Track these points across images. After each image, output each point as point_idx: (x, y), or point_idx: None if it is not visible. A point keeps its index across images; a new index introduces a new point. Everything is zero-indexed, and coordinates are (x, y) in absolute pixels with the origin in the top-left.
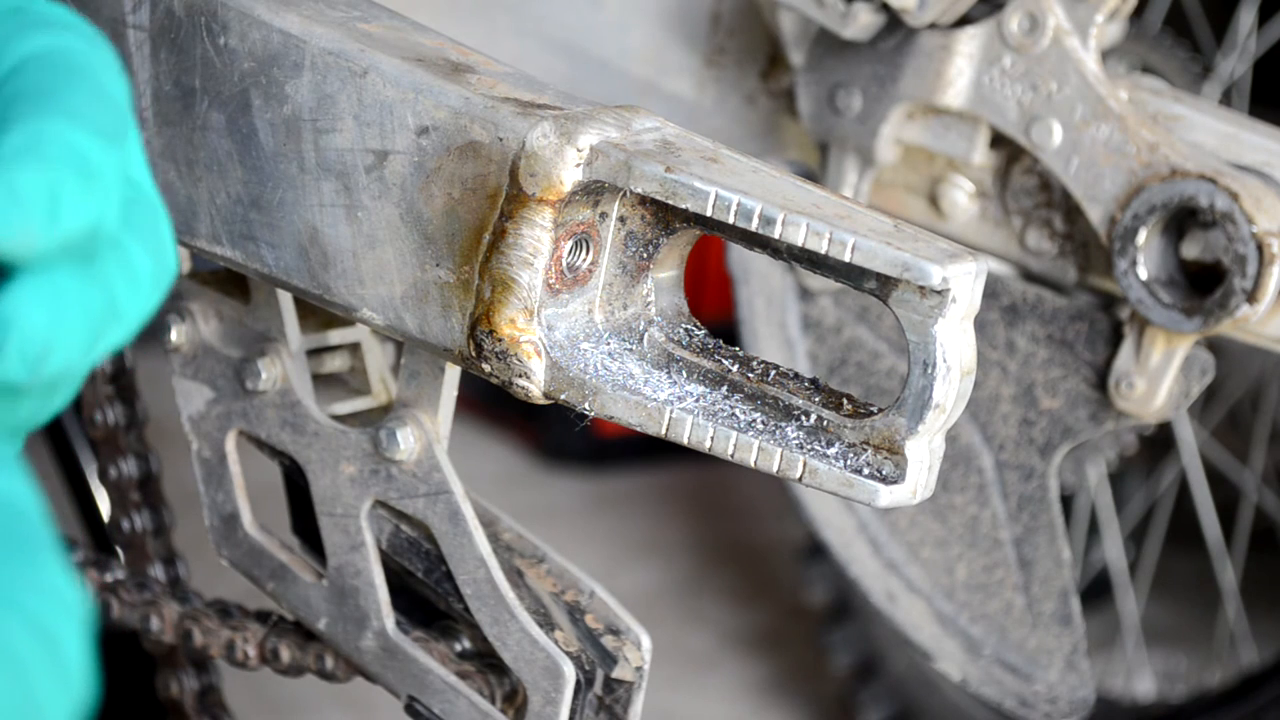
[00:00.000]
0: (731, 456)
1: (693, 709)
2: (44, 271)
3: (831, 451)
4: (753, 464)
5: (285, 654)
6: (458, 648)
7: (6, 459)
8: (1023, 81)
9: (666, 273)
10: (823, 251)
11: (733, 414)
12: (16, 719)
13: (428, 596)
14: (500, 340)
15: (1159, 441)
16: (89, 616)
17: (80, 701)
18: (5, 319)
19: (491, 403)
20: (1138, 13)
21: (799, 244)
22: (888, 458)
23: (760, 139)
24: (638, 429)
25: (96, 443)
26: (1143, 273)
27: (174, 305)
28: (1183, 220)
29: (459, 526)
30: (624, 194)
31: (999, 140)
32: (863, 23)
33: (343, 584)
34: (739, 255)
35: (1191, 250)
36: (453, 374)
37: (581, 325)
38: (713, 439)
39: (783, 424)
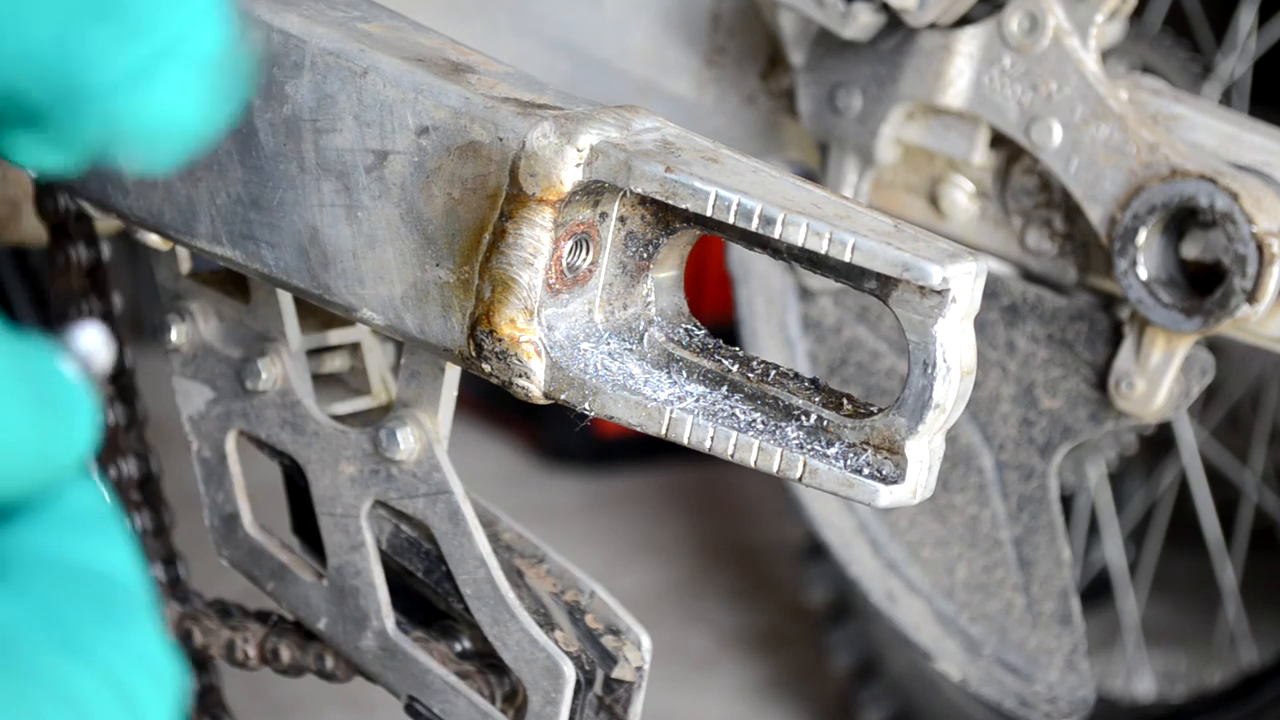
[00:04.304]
0: (731, 456)
1: (693, 709)
2: None
3: (831, 451)
4: (753, 464)
5: (285, 654)
6: (458, 648)
7: (112, 532)
8: (1023, 81)
9: (666, 273)
10: (823, 251)
11: (733, 414)
12: None
13: (428, 596)
14: (500, 340)
15: (1159, 441)
16: (180, 685)
17: None
18: None
19: (491, 403)
20: (1138, 13)
21: (799, 244)
22: (888, 458)
23: (760, 139)
24: (638, 429)
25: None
26: (1143, 273)
27: (174, 305)
28: (1183, 220)
29: (459, 526)
30: (624, 194)
31: (999, 140)
32: (863, 23)
33: (343, 584)
34: (739, 255)
35: (1191, 250)
36: (453, 374)
37: (581, 325)
38: (713, 439)
39: (783, 424)
